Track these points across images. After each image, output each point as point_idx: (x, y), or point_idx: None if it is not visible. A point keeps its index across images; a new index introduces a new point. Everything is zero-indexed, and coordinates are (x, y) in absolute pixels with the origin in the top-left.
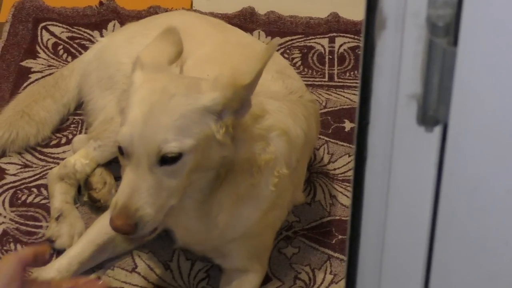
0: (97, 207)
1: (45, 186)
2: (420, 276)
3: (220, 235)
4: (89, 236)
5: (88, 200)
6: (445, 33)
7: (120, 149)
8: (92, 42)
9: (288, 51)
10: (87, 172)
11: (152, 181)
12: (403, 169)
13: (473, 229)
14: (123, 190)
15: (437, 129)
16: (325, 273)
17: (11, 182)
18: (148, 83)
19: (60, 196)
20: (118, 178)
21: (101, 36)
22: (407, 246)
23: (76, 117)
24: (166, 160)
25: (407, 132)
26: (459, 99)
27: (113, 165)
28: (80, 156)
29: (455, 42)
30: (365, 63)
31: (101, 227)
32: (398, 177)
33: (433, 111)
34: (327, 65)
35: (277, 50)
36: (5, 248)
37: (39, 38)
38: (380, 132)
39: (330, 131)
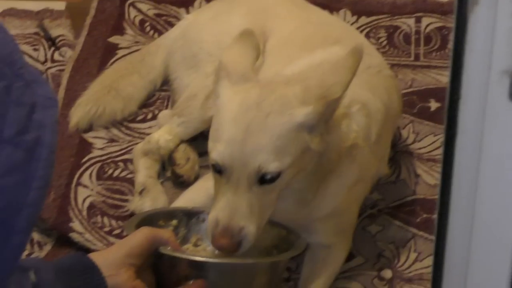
0: (180, 182)
1: (131, 161)
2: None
3: (308, 215)
4: None
5: (172, 175)
6: None
7: (215, 167)
8: (178, 19)
9: (374, 30)
10: (171, 148)
11: (252, 199)
12: (494, 144)
13: None
14: (223, 209)
15: None
16: (409, 251)
17: (98, 156)
18: (237, 97)
19: (144, 171)
20: (201, 154)
21: (187, 13)
22: (498, 223)
23: (162, 93)
24: (265, 179)
25: (499, 107)
26: None
27: (197, 141)
28: (163, 132)
29: None
30: (457, 38)
31: (187, 201)
32: (489, 152)
33: None
34: (413, 45)
35: (363, 30)
36: (92, 220)
37: (126, 14)
38: (471, 107)
39: (415, 110)
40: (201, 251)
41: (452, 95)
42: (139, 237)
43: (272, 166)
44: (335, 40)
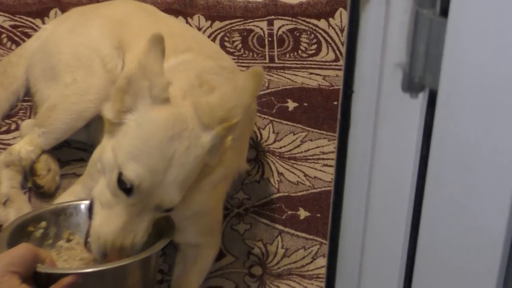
0: (40, 193)
1: None
2: (404, 238)
3: (176, 214)
4: None
5: (32, 186)
6: (431, 4)
7: (124, 185)
8: (35, 30)
9: (228, 34)
10: (32, 158)
11: (151, 220)
12: (388, 134)
13: (460, 187)
14: (119, 230)
15: (421, 95)
16: (277, 248)
17: None
18: (160, 120)
19: (6, 182)
20: (64, 163)
21: (43, 23)
22: (392, 211)
23: (24, 103)
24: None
25: (393, 99)
26: (449, 67)
27: (58, 151)
28: (24, 143)
29: (441, 12)
30: (350, 36)
31: None
32: (383, 142)
33: (418, 78)
34: (267, 47)
35: (218, 34)
36: None
37: None
38: (364, 100)
39: (274, 110)
40: (75, 245)
41: (345, 89)
42: (21, 248)
43: (179, 199)
44: (184, 50)
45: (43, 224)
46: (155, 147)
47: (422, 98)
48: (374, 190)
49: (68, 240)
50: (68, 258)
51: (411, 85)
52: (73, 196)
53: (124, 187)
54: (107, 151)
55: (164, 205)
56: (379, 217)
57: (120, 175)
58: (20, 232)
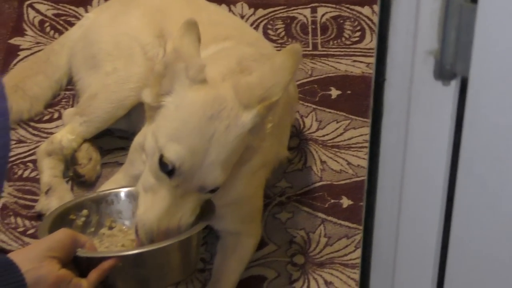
0: (81, 182)
1: None
2: (437, 229)
3: (215, 201)
4: None
5: (73, 175)
6: None
7: (166, 167)
8: (78, 19)
9: (271, 22)
10: (74, 147)
11: (196, 201)
12: (421, 122)
13: (492, 175)
14: (163, 214)
15: (454, 83)
16: (320, 236)
17: None
18: (198, 101)
19: (48, 171)
20: (104, 152)
21: (86, 12)
22: (425, 200)
23: (67, 92)
24: (213, 190)
25: (425, 86)
26: (479, 53)
27: (100, 140)
28: (66, 131)
29: None
30: (381, 23)
31: None
32: (415, 130)
33: (450, 66)
34: (310, 35)
35: (261, 22)
36: (5, 221)
37: (25, 16)
38: (396, 88)
39: (317, 98)
40: (117, 233)
41: (377, 77)
42: (60, 233)
43: (222, 179)
44: (224, 38)
45: (85, 212)
46: (194, 127)
47: (454, 86)
48: (407, 178)
49: (110, 228)
50: (110, 245)
51: (442, 73)
52: (115, 184)
53: (166, 169)
54: (148, 137)
55: (207, 186)
56: (412, 206)
57: (161, 157)
58: (62, 220)
